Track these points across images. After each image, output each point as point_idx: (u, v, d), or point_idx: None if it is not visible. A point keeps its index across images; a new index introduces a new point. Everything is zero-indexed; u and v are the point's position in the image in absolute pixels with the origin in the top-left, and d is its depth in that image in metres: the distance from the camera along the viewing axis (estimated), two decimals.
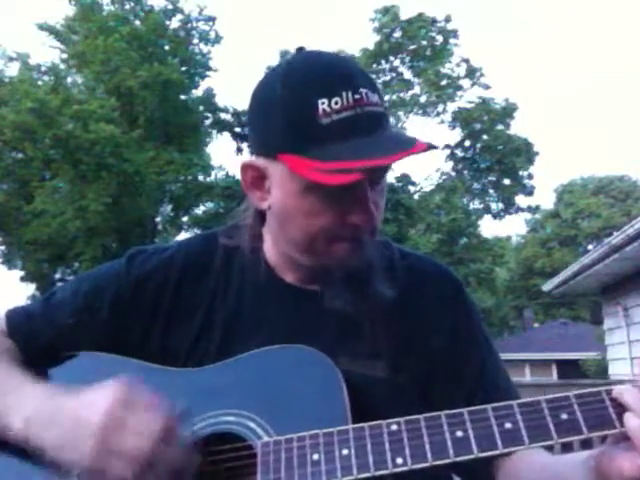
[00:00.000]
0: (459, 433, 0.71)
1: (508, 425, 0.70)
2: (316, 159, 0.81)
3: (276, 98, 0.86)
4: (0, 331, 1.00)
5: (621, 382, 0.74)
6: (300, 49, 0.93)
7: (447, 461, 0.70)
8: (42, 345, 0.98)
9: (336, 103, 0.82)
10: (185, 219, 24.16)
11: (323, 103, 0.81)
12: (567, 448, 0.81)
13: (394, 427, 0.73)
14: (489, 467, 0.90)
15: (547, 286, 11.13)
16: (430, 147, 0.82)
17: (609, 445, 0.72)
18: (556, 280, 10.35)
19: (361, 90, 0.84)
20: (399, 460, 0.71)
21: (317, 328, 0.93)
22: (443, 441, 0.71)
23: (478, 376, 0.95)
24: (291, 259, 0.96)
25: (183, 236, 22.59)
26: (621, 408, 0.69)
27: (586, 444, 0.79)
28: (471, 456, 0.69)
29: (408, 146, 0.82)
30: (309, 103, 0.82)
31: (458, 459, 0.70)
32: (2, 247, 20.95)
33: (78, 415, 0.78)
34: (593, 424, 0.69)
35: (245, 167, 0.93)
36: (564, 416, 0.70)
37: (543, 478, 0.84)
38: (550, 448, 0.76)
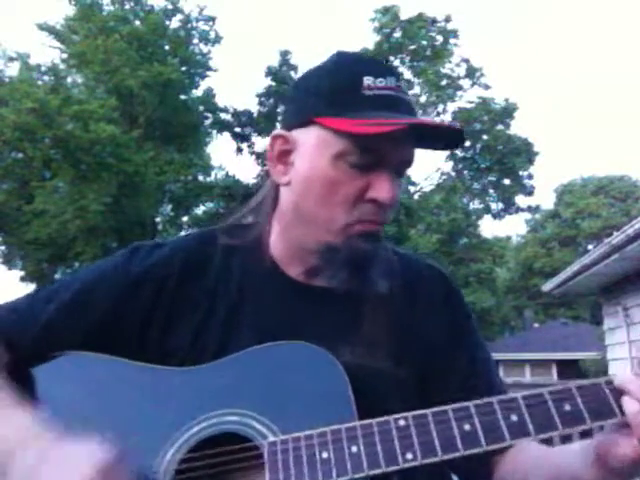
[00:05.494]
0: (467, 427, 0.71)
1: (514, 417, 0.72)
2: (353, 119, 0.85)
3: (327, 68, 0.94)
4: None
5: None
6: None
7: (457, 455, 0.70)
8: (29, 343, 0.92)
9: (380, 82, 0.88)
10: (185, 219, 24.10)
11: (368, 79, 0.88)
12: (567, 440, 0.83)
13: (402, 422, 0.73)
14: (486, 464, 0.92)
15: (547, 286, 11.08)
16: (460, 132, 0.88)
17: (608, 433, 0.74)
18: (556, 280, 10.30)
19: (403, 84, 0.92)
20: (409, 455, 0.71)
21: (318, 322, 0.93)
22: (452, 435, 0.71)
23: (471, 370, 0.98)
24: (298, 250, 0.96)
25: None
26: (621, 397, 0.71)
27: (585, 435, 0.81)
28: (480, 449, 0.70)
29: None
30: (356, 76, 0.89)
31: (467, 452, 0.70)
32: (2, 247, 20.93)
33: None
34: (596, 414, 0.71)
35: (275, 137, 0.95)
36: (567, 407, 0.72)
37: (543, 468, 0.85)
38: (549, 441, 0.78)
